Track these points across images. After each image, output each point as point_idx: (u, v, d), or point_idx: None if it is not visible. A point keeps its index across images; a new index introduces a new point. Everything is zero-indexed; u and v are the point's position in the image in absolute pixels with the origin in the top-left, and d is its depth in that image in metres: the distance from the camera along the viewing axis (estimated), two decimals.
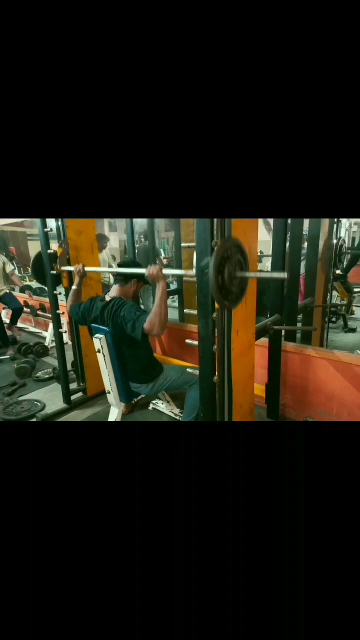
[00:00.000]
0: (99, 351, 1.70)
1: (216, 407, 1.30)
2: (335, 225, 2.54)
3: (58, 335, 2.24)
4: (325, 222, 2.39)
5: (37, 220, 2.04)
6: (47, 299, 3.90)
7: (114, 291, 1.74)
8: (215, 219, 1.13)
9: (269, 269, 2.64)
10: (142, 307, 2.98)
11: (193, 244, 1.17)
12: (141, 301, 3.34)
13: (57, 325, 2.24)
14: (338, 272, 3.08)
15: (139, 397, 2.02)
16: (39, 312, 4.15)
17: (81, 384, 2.46)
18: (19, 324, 4.06)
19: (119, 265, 1.82)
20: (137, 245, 3.53)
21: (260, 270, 2.54)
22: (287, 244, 1.87)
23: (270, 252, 1.88)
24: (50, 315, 3.51)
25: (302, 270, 2.55)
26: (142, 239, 4.21)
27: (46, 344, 3.63)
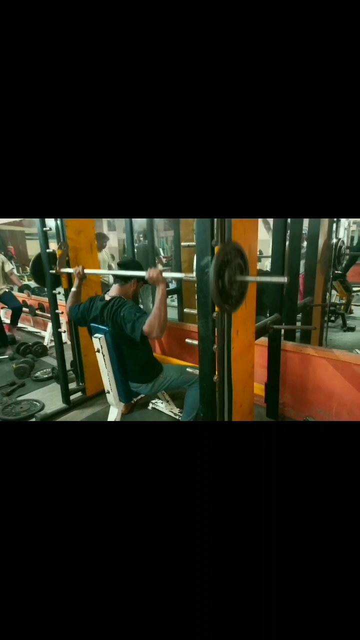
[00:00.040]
0: (98, 351, 1.69)
1: (216, 407, 1.30)
2: (334, 225, 2.54)
3: (57, 335, 2.23)
4: (324, 222, 2.39)
5: (36, 220, 2.04)
6: (46, 299, 3.90)
7: (113, 291, 1.74)
8: (215, 219, 1.13)
9: (268, 268, 2.64)
10: (142, 307, 2.98)
11: (193, 243, 1.16)
12: (140, 301, 3.33)
13: (56, 325, 2.23)
14: (337, 271, 3.08)
15: (139, 397, 2.02)
16: (37, 311, 4.14)
17: (80, 383, 2.46)
18: (18, 324, 4.06)
19: (119, 265, 1.81)
20: (137, 245, 3.52)
21: (260, 270, 2.54)
22: (287, 244, 1.87)
23: (269, 252, 1.88)
24: (49, 315, 3.51)
25: (302, 269, 2.55)
26: (141, 239, 4.20)
27: (45, 343, 3.62)
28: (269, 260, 1.93)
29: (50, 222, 2.11)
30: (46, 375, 2.86)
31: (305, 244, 2.58)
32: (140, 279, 1.72)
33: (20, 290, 3.95)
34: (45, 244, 2.07)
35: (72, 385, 2.43)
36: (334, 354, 1.80)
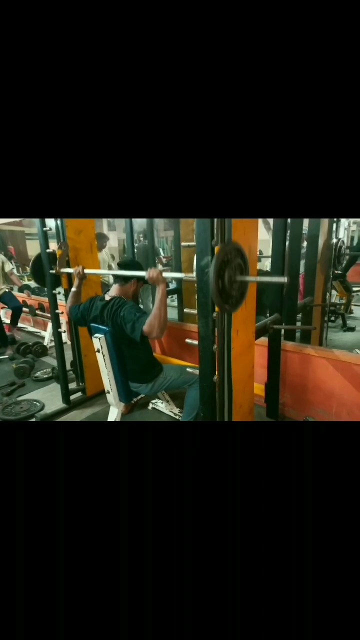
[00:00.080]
0: (98, 351, 1.70)
1: (216, 407, 1.30)
2: (334, 225, 2.54)
3: (57, 335, 2.23)
4: (324, 222, 2.39)
5: (36, 220, 2.04)
6: (46, 299, 3.89)
7: (113, 291, 1.74)
8: (215, 219, 1.13)
9: (268, 268, 2.64)
10: (142, 306, 2.98)
11: (193, 243, 1.16)
12: (140, 301, 3.33)
13: (56, 324, 2.24)
14: (337, 271, 3.08)
15: (139, 397, 2.02)
16: (37, 311, 4.13)
17: (80, 383, 2.46)
18: (18, 324, 4.05)
19: (119, 265, 1.81)
20: (137, 245, 3.52)
21: (260, 270, 2.54)
22: (287, 244, 1.87)
23: (269, 252, 1.88)
24: (49, 315, 3.51)
25: (301, 269, 2.55)
26: (141, 238, 4.20)
27: (45, 343, 3.62)
28: (269, 259, 1.93)
29: (50, 222, 2.11)
30: (46, 375, 2.86)
31: (305, 244, 2.58)
32: (140, 279, 1.72)
33: (20, 290, 3.95)
34: (45, 244, 2.07)
35: (72, 385, 2.43)
36: (334, 354, 1.80)
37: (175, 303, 3.31)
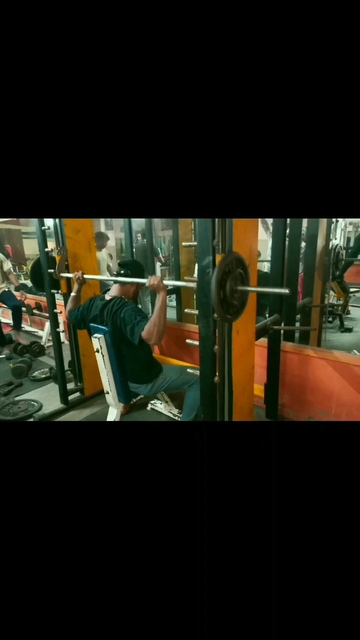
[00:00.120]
0: (97, 351, 1.69)
1: (216, 408, 1.29)
2: (332, 225, 2.55)
3: (55, 335, 2.22)
4: (323, 222, 2.40)
5: (35, 219, 2.02)
6: (42, 298, 3.85)
7: (114, 290, 1.73)
8: (216, 219, 1.12)
9: (266, 269, 2.64)
10: (140, 306, 2.97)
11: (194, 243, 1.16)
12: (139, 300, 3.32)
13: (55, 324, 2.22)
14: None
15: (138, 398, 2.01)
16: (35, 311, 4.11)
17: (78, 384, 2.45)
18: (12, 322, 3.81)
19: (120, 265, 1.80)
20: (135, 244, 3.51)
21: (259, 271, 2.53)
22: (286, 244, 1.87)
23: (267, 252, 1.88)
24: (47, 315, 3.47)
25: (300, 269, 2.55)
26: (139, 238, 4.19)
27: (42, 343, 3.60)
28: (265, 263, 1.93)
29: (49, 221, 2.10)
30: (44, 375, 2.84)
31: (303, 244, 2.58)
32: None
33: (17, 289, 3.90)
34: (43, 243, 2.05)
35: (70, 386, 2.42)
36: (334, 355, 1.81)
37: (174, 303, 3.30)
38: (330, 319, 3.75)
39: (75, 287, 1.86)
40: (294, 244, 2.19)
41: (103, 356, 1.68)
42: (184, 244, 1.42)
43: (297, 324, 2.46)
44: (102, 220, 7.12)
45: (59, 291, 2.19)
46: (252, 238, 1.34)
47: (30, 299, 4.13)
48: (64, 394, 2.29)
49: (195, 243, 1.15)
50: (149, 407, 2.24)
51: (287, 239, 1.85)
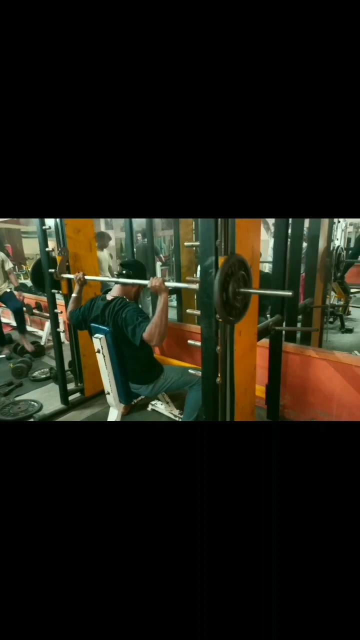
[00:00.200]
0: (98, 351, 1.68)
1: (218, 409, 1.29)
2: (334, 226, 2.55)
3: (56, 335, 2.21)
4: (325, 222, 2.40)
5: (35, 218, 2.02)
6: (43, 297, 3.85)
7: (115, 290, 1.72)
8: (219, 218, 1.12)
9: (267, 270, 2.64)
10: (140, 305, 2.96)
11: (195, 243, 1.15)
12: (140, 299, 3.32)
13: (55, 324, 2.21)
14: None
15: (139, 398, 2.01)
16: (35, 310, 4.10)
17: (79, 384, 2.44)
18: (12, 322, 3.74)
19: (121, 265, 1.80)
20: (135, 244, 3.50)
21: (260, 272, 2.53)
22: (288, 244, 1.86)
23: (267, 252, 1.88)
24: (47, 315, 3.46)
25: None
26: (139, 238, 4.18)
27: (42, 343, 3.59)
28: (266, 264, 1.93)
29: (50, 221, 2.09)
30: (44, 376, 2.84)
31: (305, 244, 2.58)
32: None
33: (17, 289, 3.89)
34: (44, 243, 2.05)
35: (71, 386, 2.41)
36: (335, 356, 1.80)
37: (175, 303, 3.29)
38: (331, 319, 3.75)
39: (76, 288, 1.86)
40: (296, 244, 2.18)
41: (104, 357, 1.67)
42: (186, 244, 1.42)
43: (299, 325, 2.45)
44: (102, 220, 7.12)
45: (60, 291, 2.18)
46: (255, 238, 1.33)
47: (30, 299, 4.13)
48: (64, 394, 2.28)
49: (197, 243, 1.14)
50: (150, 407, 2.24)
51: (289, 239, 1.85)
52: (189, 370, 1.56)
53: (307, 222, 2.45)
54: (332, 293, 3.37)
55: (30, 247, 9.06)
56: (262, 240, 1.68)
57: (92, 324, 1.73)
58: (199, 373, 1.28)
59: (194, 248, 1.18)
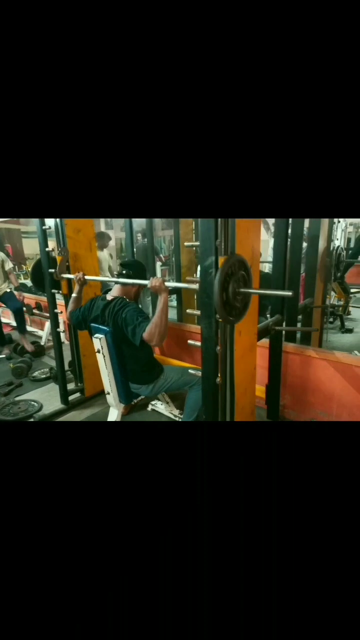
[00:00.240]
0: (98, 351, 1.68)
1: (218, 409, 1.29)
2: (334, 226, 2.55)
3: (56, 335, 2.21)
4: (325, 222, 2.40)
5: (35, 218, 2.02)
6: (43, 297, 3.84)
7: (115, 290, 1.72)
8: (219, 218, 1.12)
9: (267, 270, 2.64)
10: (140, 305, 2.96)
11: (195, 243, 1.15)
12: (140, 299, 3.32)
13: (55, 324, 2.21)
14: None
15: (139, 398, 2.00)
16: (35, 310, 4.10)
17: (79, 384, 2.44)
18: (12, 322, 3.73)
19: (122, 265, 1.80)
20: (135, 244, 3.50)
21: (260, 272, 2.53)
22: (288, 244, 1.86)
23: (267, 252, 1.88)
24: (47, 315, 3.46)
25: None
26: (139, 238, 4.18)
27: (42, 343, 3.59)
28: (266, 264, 1.93)
29: (50, 221, 2.09)
30: (44, 376, 2.84)
31: (305, 244, 2.58)
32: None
33: (17, 289, 3.88)
34: (44, 243, 2.05)
35: (71, 386, 2.41)
36: (335, 356, 1.80)
37: (175, 303, 3.29)
38: (331, 319, 3.75)
39: (76, 288, 1.86)
40: (296, 244, 2.18)
41: (104, 357, 1.67)
42: (186, 244, 1.42)
43: (299, 325, 2.45)
44: (102, 220, 7.12)
45: (60, 291, 2.18)
46: (255, 238, 1.33)
47: (30, 299, 4.13)
48: (64, 394, 2.28)
49: (197, 243, 1.14)
50: (150, 407, 2.24)
51: (289, 239, 1.85)
52: (189, 370, 1.56)
53: (307, 222, 2.45)
54: (332, 293, 3.37)
55: (30, 247, 9.05)
56: (262, 240, 1.68)
57: (92, 324, 1.73)
58: (199, 373, 1.28)
59: (194, 248, 1.18)
